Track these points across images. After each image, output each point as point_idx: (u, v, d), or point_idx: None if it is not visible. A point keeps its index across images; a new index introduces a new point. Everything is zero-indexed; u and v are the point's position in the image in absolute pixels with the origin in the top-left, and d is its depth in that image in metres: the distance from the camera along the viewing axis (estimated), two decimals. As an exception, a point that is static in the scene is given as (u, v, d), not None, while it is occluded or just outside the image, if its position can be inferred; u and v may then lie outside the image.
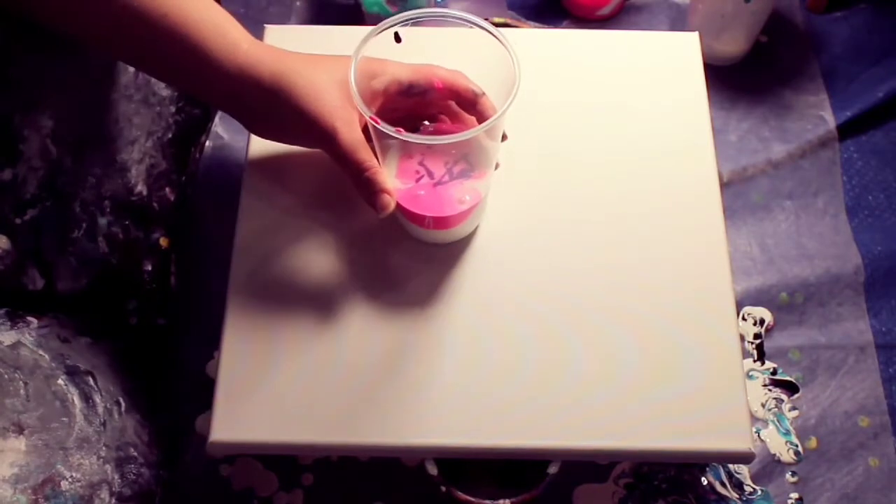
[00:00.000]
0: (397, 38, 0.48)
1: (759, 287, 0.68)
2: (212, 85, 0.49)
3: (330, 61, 0.50)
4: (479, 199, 0.51)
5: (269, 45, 0.50)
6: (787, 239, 0.70)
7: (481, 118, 0.50)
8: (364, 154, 0.48)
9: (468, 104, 0.50)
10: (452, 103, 0.51)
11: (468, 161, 0.51)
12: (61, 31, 0.49)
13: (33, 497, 0.45)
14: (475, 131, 0.45)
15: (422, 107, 0.52)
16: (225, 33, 0.48)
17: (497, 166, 0.53)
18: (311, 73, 0.49)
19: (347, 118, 0.49)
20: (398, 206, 0.50)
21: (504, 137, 0.52)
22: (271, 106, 0.49)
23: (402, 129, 0.45)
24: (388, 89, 0.50)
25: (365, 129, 0.50)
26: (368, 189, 0.49)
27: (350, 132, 0.48)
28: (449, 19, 0.47)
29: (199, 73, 0.48)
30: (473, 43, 0.48)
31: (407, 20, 0.47)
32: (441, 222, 0.52)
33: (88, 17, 0.47)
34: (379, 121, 0.45)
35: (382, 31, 0.47)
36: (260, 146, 0.57)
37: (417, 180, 0.50)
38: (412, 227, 0.53)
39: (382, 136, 0.46)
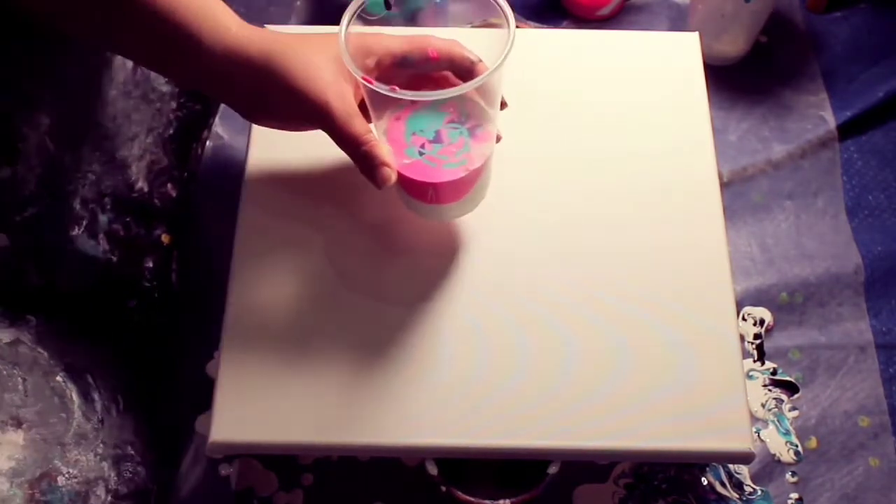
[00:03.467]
0: (388, 5, 0.48)
1: (759, 287, 0.68)
2: (203, 69, 0.48)
3: (320, 38, 0.49)
4: (480, 164, 0.50)
5: (259, 28, 0.49)
6: (787, 239, 0.70)
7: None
8: (360, 127, 0.47)
9: (465, 72, 0.49)
10: (449, 74, 0.50)
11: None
12: (49, 21, 0.48)
13: (30, 491, 0.45)
14: (470, 85, 0.44)
15: (418, 78, 0.51)
16: (214, 17, 0.47)
17: (499, 139, 0.52)
18: (302, 50, 0.48)
19: (340, 92, 0.47)
20: (400, 180, 0.49)
21: (504, 105, 0.51)
22: (262, 86, 0.48)
23: (396, 87, 0.44)
24: (382, 62, 0.49)
25: (362, 106, 0.49)
26: (367, 163, 0.48)
27: (343, 105, 0.47)
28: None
29: (188, 57, 0.47)
30: (477, 34, 0.47)
31: None
32: (443, 193, 0.51)
33: (77, 4, 0.46)
34: (372, 81, 0.44)
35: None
36: (260, 146, 0.57)
37: (418, 151, 0.50)
38: (414, 202, 0.52)
39: (378, 102, 0.45)
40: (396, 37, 0.49)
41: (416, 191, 0.51)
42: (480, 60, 0.49)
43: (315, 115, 0.48)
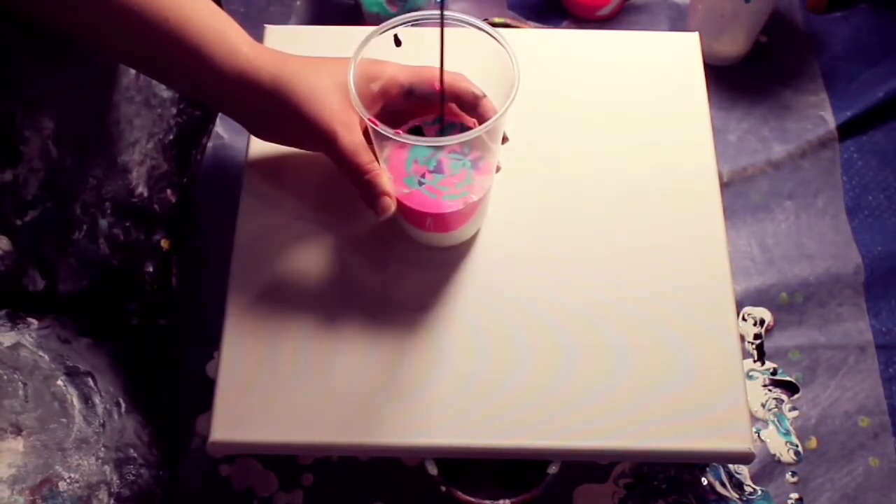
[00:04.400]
0: (397, 42, 0.48)
1: (759, 287, 0.68)
2: (212, 88, 0.49)
3: (330, 64, 0.50)
4: (479, 197, 0.51)
5: (270, 49, 0.50)
6: (787, 239, 0.70)
7: (482, 120, 0.50)
8: (364, 157, 0.48)
9: (469, 106, 0.50)
10: (453, 105, 0.51)
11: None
12: (62, 33, 0.49)
13: (31, 498, 0.45)
14: (475, 132, 0.45)
15: (423, 109, 0.52)
16: (225, 37, 0.48)
17: (498, 169, 0.53)
18: (311, 76, 0.49)
19: (347, 121, 0.49)
20: (399, 207, 0.50)
21: (505, 139, 0.52)
22: (271, 110, 0.49)
23: (400, 132, 0.45)
24: (389, 91, 0.50)
25: (366, 132, 0.50)
26: (369, 192, 0.49)
27: (350, 135, 0.48)
28: (448, 21, 0.47)
29: (200, 76, 0.48)
30: (473, 44, 0.48)
31: (406, 22, 0.47)
32: (441, 223, 0.52)
33: (89, 19, 0.47)
34: (377, 122, 0.45)
35: (382, 33, 0.47)
36: (260, 146, 0.57)
37: (418, 180, 0.50)
38: (413, 229, 0.53)
39: (382, 137, 0.46)
40: (403, 67, 0.50)
41: (415, 219, 0.52)
42: (485, 95, 0.50)
43: (321, 142, 0.49)
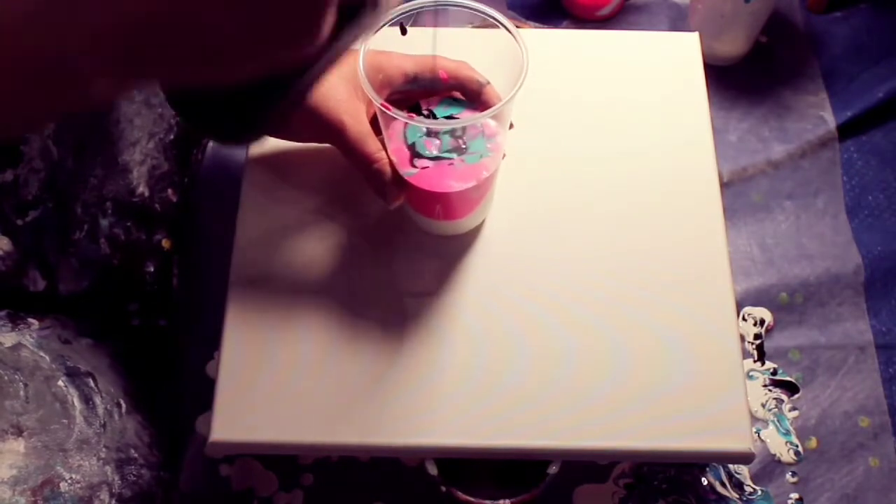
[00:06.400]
0: (403, 31, 0.49)
1: (759, 287, 0.68)
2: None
3: None
4: (490, 173, 0.50)
5: None
6: (787, 239, 0.70)
7: (487, 108, 0.50)
8: (373, 146, 0.49)
9: (473, 94, 0.51)
10: (458, 94, 0.52)
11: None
12: None
13: (32, 499, 0.45)
14: (483, 115, 0.45)
15: (426, 97, 0.52)
16: None
17: (504, 156, 0.52)
18: None
19: (354, 111, 0.49)
20: (407, 195, 0.50)
21: (510, 126, 0.52)
22: None
23: (413, 115, 0.45)
24: (394, 80, 0.50)
25: (373, 122, 0.50)
26: (378, 181, 0.49)
27: (357, 124, 0.49)
28: (452, 9, 0.48)
29: None
30: (479, 34, 0.48)
31: (412, 10, 0.48)
32: (450, 208, 0.51)
33: None
34: (390, 107, 0.45)
35: (388, 23, 0.48)
36: (260, 144, 0.57)
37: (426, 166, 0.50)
38: (421, 218, 0.53)
39: (391, 123, 0.46)
40: (408, 56, 0.50)
41: (424, 206, 0.51)
42: (489, 83, 0.50)
43: (329, 133, 0.49)
